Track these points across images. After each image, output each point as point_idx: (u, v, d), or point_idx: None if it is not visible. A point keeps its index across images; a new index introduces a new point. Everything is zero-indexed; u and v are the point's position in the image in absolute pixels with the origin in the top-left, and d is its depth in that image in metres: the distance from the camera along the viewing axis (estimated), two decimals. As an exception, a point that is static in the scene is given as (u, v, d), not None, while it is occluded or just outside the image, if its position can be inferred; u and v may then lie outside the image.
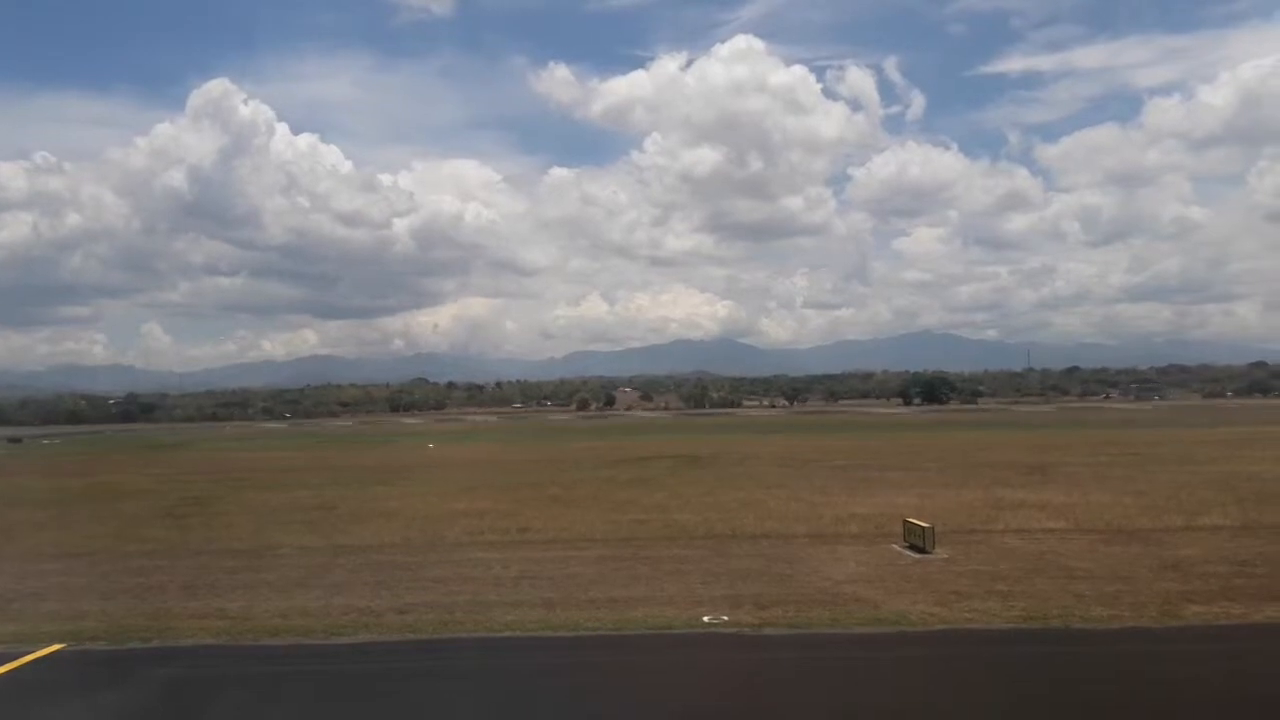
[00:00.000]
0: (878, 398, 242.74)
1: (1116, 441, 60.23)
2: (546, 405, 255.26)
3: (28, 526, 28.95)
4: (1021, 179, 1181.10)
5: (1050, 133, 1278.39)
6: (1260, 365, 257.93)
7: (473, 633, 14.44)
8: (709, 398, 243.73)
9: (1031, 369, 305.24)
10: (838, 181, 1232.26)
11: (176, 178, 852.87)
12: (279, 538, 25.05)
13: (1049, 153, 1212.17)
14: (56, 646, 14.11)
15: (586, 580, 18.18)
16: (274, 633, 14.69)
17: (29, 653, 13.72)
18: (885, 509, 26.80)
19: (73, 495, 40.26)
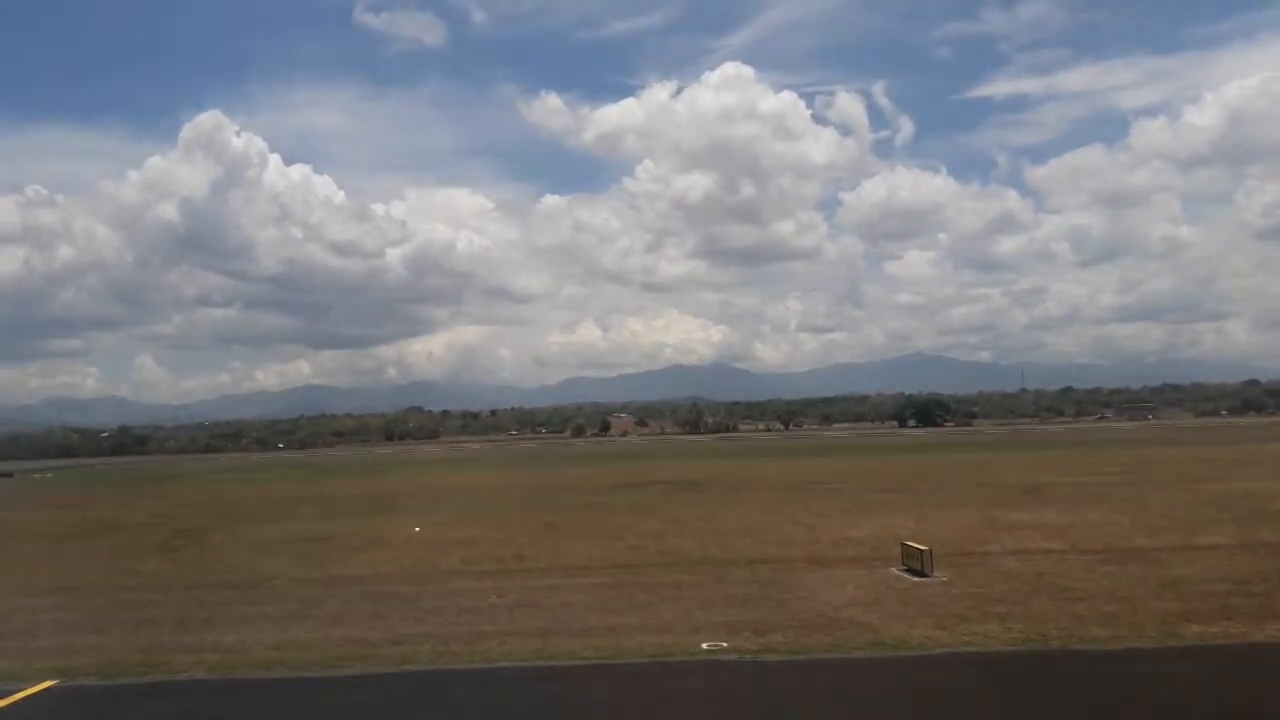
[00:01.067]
0: (872, 420, 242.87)
1: (1112, 461, 60.30)
2: (541, 432, 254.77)
3: (19, 561, 28.69)
4: (1011, 201, 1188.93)
5: (1038, 155, 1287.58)
6: (1253, 383, 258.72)
7: (469, 664, 14.33)
8: (704, 422, 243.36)
9: (1025, 390, 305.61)
10: (829, 206, 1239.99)
11: (169, 210, 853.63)
12: (273, 569, 24.87)
13: (1037, 174, 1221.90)
14: (48, 683, 13.95)
15: (583, 608, 18.08)
16: (268, 666, 14.56)
17: (20, 690, 13.57)
18: (882, 532, 26.76)
19: (65, 529, 39.94)
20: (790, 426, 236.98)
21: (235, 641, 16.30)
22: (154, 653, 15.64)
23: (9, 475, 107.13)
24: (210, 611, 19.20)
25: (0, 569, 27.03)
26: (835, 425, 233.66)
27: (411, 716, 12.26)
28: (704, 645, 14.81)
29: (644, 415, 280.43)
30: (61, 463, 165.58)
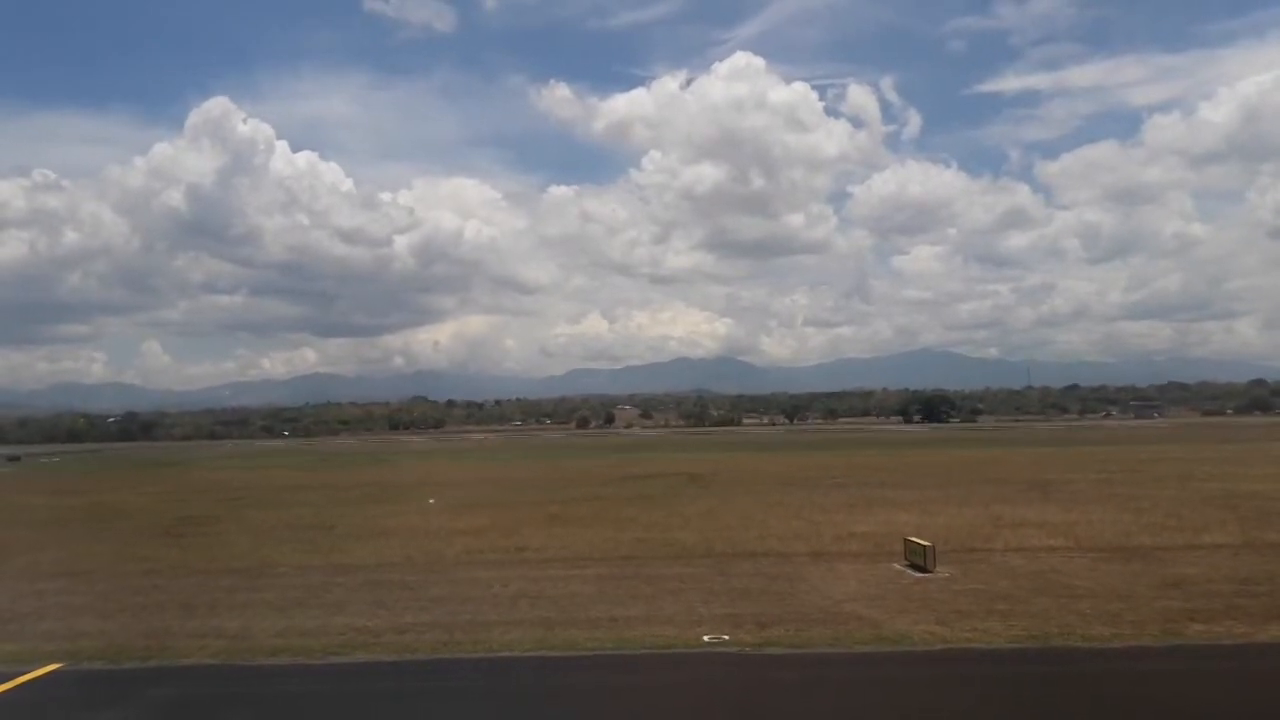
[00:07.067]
0: (878, 416, 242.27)
1: (1116, 459, 60.13)
2: (546, 423, 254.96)
3: (26, 545, 28.83)
4: (1022, 196, 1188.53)
5: (1049, 150, 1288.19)
6: (1260, 383, 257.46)
7: (472, 653, 14.38)
8: (709, 415, 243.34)
9: (1031, 387, 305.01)
10: (838, 199, 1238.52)
11: (175, 196, 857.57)
12: (277, 557, 24.98)
13: (1049, 170, 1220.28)
14: (54, 666, 14.05)
15: (586, 599, 18.13)
16: (272, 653, 14.63)
17: (26, 672, 13.67)
18: (886, 527, 26.74)
19: (71, 514, 40.14)
20: (795, 421, 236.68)
21: (239, 628, 16.38)
22: (158, 638, 15.73)
23: (16, 459, 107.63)
24: (214, 597, 19.29)
25: (7, 553, 27.19)
26: (840, 420, 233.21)
27: (414, 704, 12.30)
28: (706, 638, 14.83)
29: (648, 408, 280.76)
30: (69, 448, 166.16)
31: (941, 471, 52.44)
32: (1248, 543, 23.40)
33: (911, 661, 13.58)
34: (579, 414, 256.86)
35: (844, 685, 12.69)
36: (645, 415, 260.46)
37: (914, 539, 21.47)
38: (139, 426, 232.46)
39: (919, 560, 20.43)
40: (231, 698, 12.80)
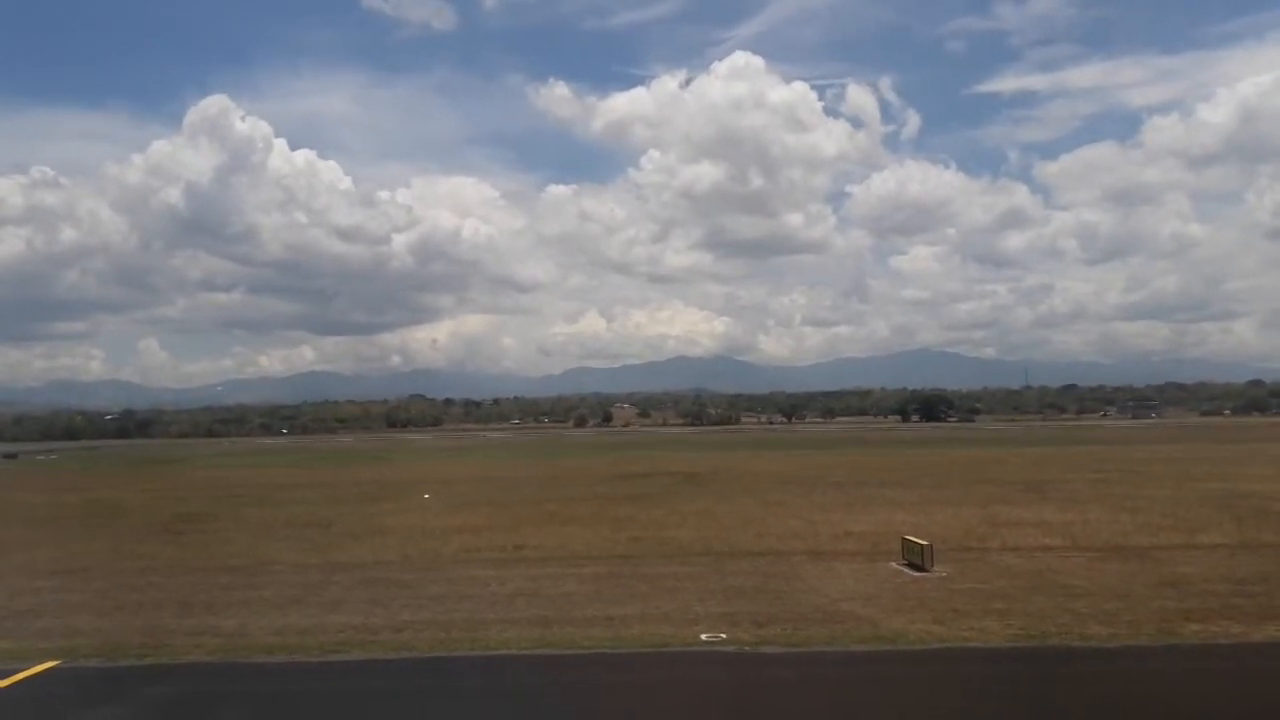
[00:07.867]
0: (875, 415, 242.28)
1: (1114, 459, 60.20)
2: (544, 421, 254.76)
3: (22, 543, 28.80)
4: (1020, 196, 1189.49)
5: (1049, 150, 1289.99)
6: (1258, 383, 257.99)
7: (469, 651, 14.38)
8: (707, 414, 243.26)
9: (1029, 387, 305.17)
10: (836, 199, 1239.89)
11: (174, 194, 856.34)
12: (275, 554, 24.96)
13: (1047, 170, 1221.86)
14: (51, 663, 14.04)
15: (583, 598, 18.13)
16: (269, 650, 14.62)
17: (23, 670, 13.65)
18: (883, 526, 26.77)
19: (68, 511, 40.08)
20: (793, 420, 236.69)
21: (236, 626, 16.37)
22: (155, 635, 15.72)
23: (13, 457, 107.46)
24: (211, 595, 19.28)
25: (4, 550, 27.15)
26: (838, 419, 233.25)
27: (411, 702, 12.31)
28: (703, 636, 14.84)
29: (646, 406, 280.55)
30: (65, 445, 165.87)
31: (939, 471, 52.48)
32: (1244, 543, 23.45)
33: (908, 660, 13.60)
34: (577, 413, 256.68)
35: (841, 684, 12.70)
36: (643, 414, 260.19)
37: (911, 538, 21.49)
38: (136, 424, 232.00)
39: (916, 559, 20.46)
40: (228, 695, 12.79)
